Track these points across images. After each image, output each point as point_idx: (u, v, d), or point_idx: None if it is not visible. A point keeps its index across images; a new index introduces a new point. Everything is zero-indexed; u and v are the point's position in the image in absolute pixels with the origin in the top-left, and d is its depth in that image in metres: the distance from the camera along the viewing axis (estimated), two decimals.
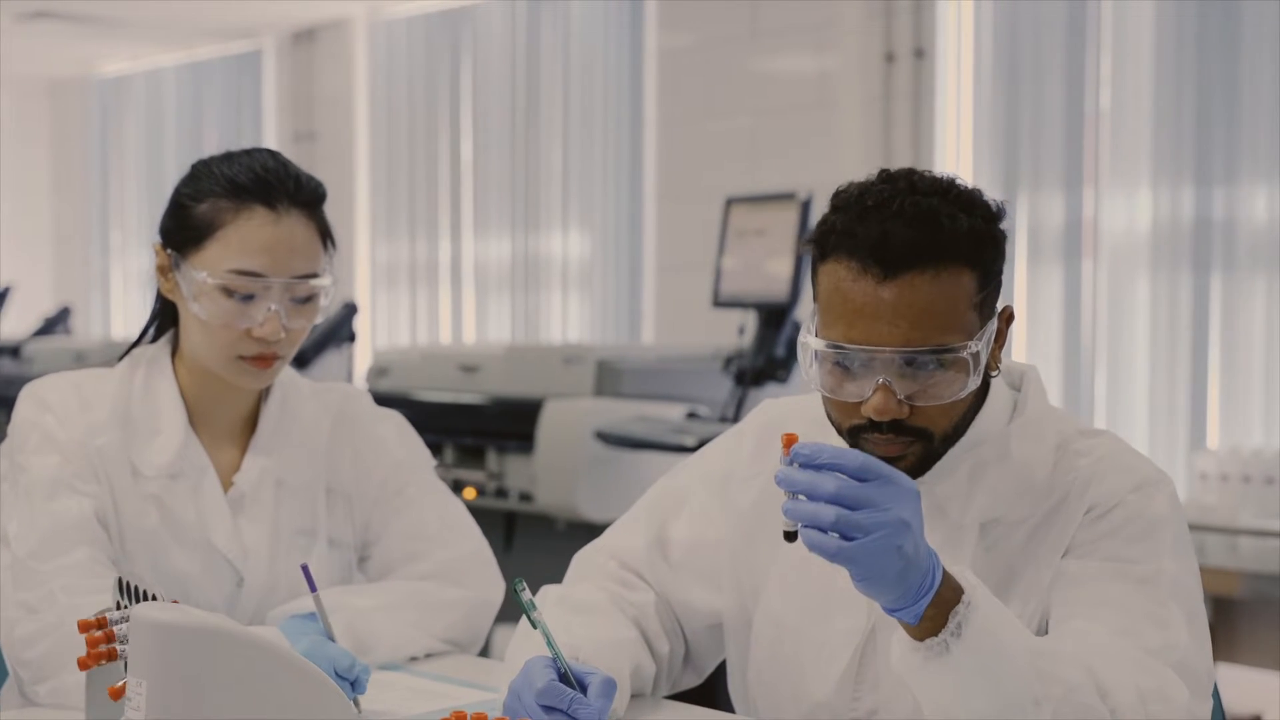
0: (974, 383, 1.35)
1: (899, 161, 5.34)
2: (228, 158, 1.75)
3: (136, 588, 1.30)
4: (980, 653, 1.23)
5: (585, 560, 1.65)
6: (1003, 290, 1.42)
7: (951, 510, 1.44)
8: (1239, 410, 4.56)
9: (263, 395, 1.82)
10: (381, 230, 7.60)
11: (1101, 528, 1.39)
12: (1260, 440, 4.46)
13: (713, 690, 1.68)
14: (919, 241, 1.33)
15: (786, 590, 1.52)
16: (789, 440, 1.21)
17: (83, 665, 1.30)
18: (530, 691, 1.32)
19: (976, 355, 1.35)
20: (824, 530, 1.19)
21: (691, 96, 5.98)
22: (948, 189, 1.38)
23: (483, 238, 7.13)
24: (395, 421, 1.91)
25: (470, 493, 4.31)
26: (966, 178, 4.93)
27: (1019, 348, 5.12)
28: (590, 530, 4.32)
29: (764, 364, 4.08)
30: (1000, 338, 1.42)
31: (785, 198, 4.09)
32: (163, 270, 1.75)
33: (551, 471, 4.25)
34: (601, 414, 4.22)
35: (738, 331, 4.21)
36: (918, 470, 1.40)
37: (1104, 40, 4.87)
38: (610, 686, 1.33)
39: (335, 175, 6.99)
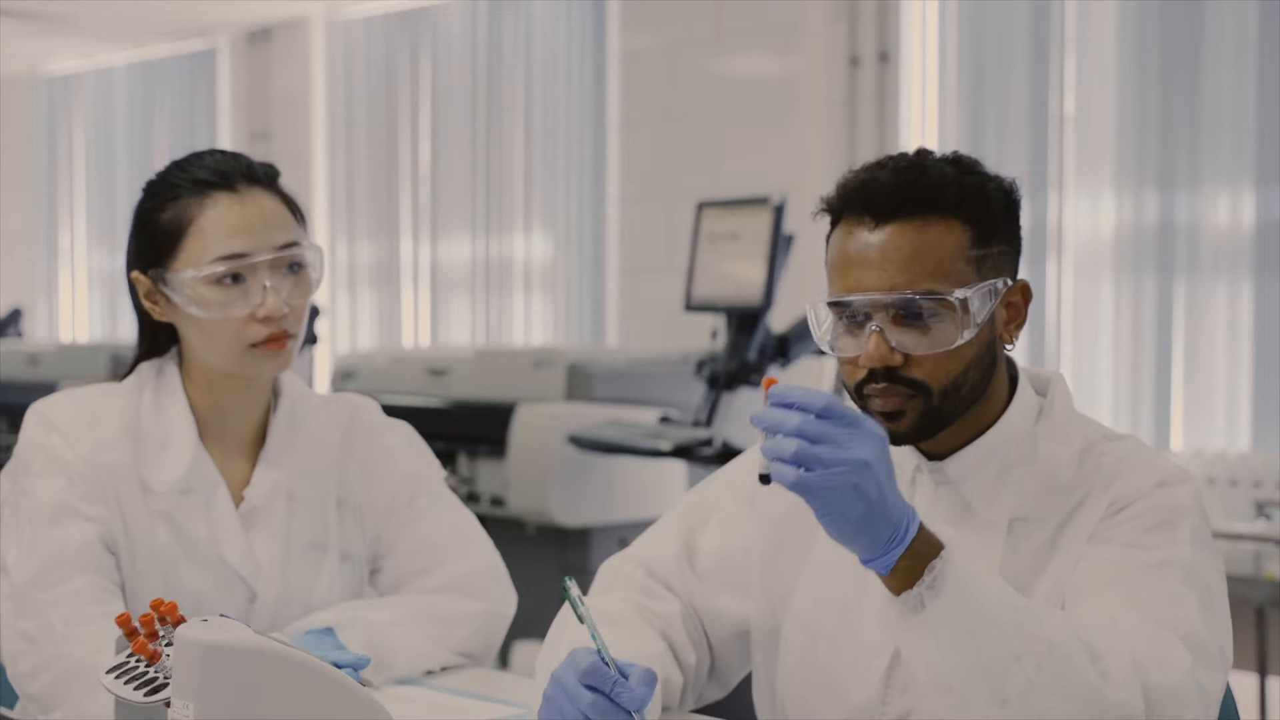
0: (968, 335, 1.39)
1: None
2: (176, 164, 1.75)
3: None
4: (958, 608, 1.25)
5: (612, 570, 1.65)
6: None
7: (979, 508, 1.46)
8: (1202, 413, 4.61)
9: (271, 407, 1.79)
10: (341, 232, 7.55)
11: (1121, 518, 1.41)
12: (1223, 442, 4.51)
13: (735, 704, 1.68)
14: (902, 188, 1.39)
15: (818, 597, 1.53)
16: (768, 384, 1.26)
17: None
18: (574, 672, 1.32)
19: (966, 304, 1.38)
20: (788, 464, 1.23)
21: (654, 98, 5.97)
22: (956, 157, 1.45)
23: (444, 240, 7.09)
24: (405, 433, 1.89)
25: None
26: None
27: None
28: (562, 535, 4.33)
29: (737, 368, 4.08)
30: (1017, 313, 1.46)
31: (758, 202, 4.10)
32: (149, 296, 1.72)
33: (524, 475, 4.24)
34: (574, 418, 4.21)
35: (711, 335, 4.21)
36: (921, 431, 1.43)
37: (1068, 45, 4.91)
38: (651, 678, 1.33)
39: (292, 176, 6.89)
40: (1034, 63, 4.98)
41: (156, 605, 1.33)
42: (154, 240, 1.70)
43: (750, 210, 4.12)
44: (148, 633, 1.28)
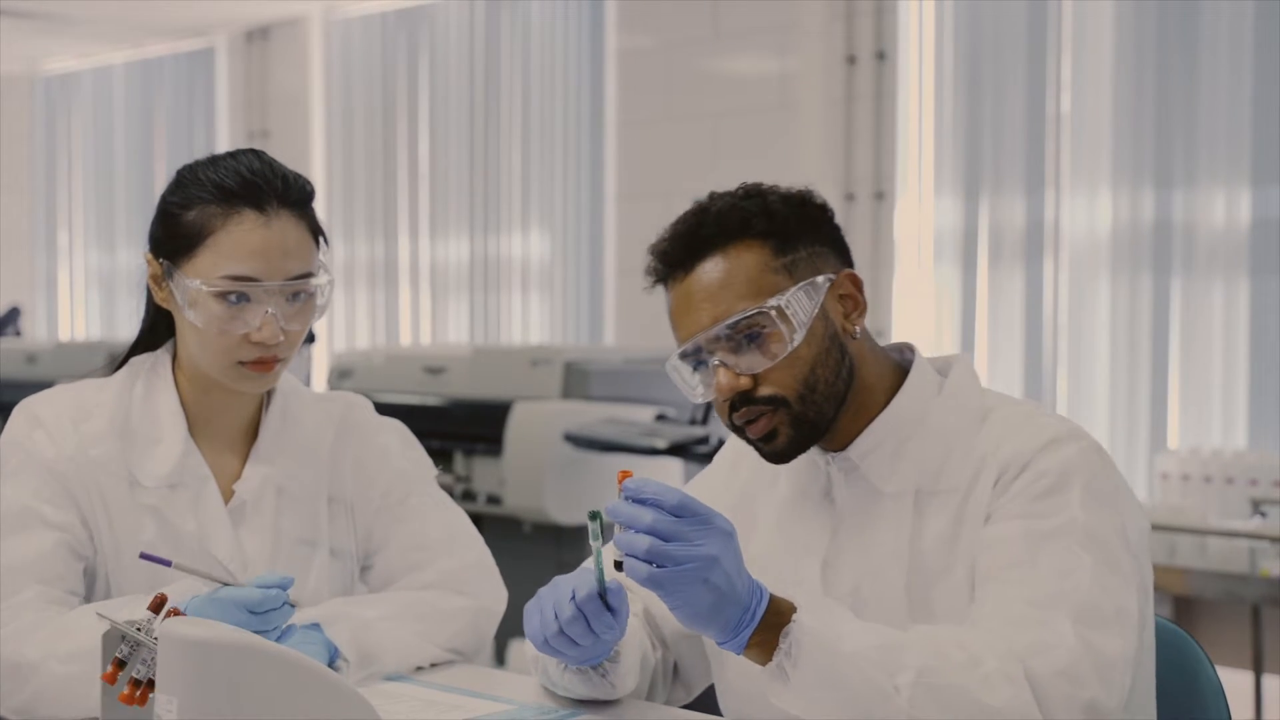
0: (800, 336, 1.44)
1: (859, 164, 5.37)
2: (212, 162, 1.71)
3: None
4: (819, 667, 1.30)
5: None
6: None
7: (883, 485, 1.50)
8: (1199, 411, 4.61)
9: (264, 403, 1.79)
10: (338, 231, 7.55)
11: (1014, 490, 1.43)
12: (1219, 440, 4.52)
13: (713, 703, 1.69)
14: (689, 233, 1.48)
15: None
16: (622, 476, 1.32)
17: (109, 679, 1.28)
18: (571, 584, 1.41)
19: (783, 309, 1.44)
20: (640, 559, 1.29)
21: (652, 97, 5.98)
22: (740, 189, 1.51)
23: (441, 238, 7.10)
24: (398, 431, 1.89)
25: None
26: (927, 180, 4.95)
27: (980, 348, 5.16)
28: (558, 533, 4.33)
29: None
30: (854, 304, 1.50)
31: None
32: (156, 280, 1.72)
33: (520, 474, 4.24)
34: (570, 416, 4.21)
35: None
36: (799, 441, 1.48)
37: (1064, 43, 4.91)
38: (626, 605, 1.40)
39: None
40: (1030, 61, 4.98)
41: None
42: (171, 236, 1.69)
43: None
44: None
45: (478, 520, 4.48)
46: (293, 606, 1.54)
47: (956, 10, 5.18)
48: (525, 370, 4.49)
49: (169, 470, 1.71)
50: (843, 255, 1.52)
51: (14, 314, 7.60)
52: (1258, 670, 3.82)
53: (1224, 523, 3.84)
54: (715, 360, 1.46)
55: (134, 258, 8.82)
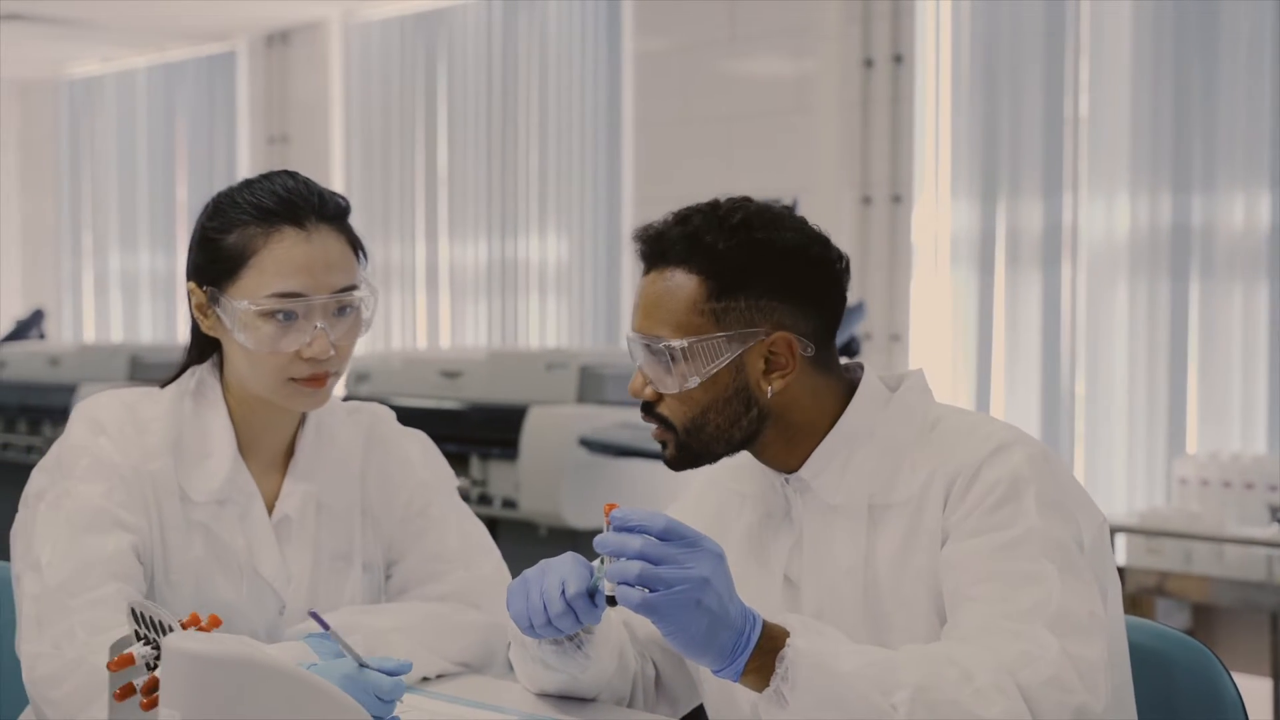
0: (693, 382, 1.46)
1: (876, 167, 5.36)
2: (247, 185, 1.73)
3: (149, 616, 1.29)
4: (816, 690, 1.31)
5: None
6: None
7: (835, 500, 1.52)
8: (1218, 416, 4.59)
9: (300, 419, 1.80)
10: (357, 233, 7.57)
11: (967, 504, 1.45)
12: (1239, 445, 4.49)
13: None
14: (650, 239, 1.51)
15: None
16: (608, 509, 1.34)
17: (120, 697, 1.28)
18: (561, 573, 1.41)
19: (673, 351, 1.46)
20: (632, 585, 1.30)
21: (669, 100, 5.98)
22: (712, 210, 1.49)
23: (459, 241, 7.11)
24: (420, 441, 1.90)
25: None
26: (944, 183, 4.91)
27: (997, 352, 5.15)
28: (573, 537, 4.34)
29: None
30: (782, 365, 1.48)
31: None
32: (201, 309, 1.72)
33: (535, 478, 4.25)
34: (585, 420, 4.22)
35: None
36: (681, 461, 1.53)
37: (1082, 46, 4.90)
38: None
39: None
40: (1048, 64, 4.97)
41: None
42: (214, 261, 1.69)
43: None
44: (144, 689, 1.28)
45: (493, 524, 4.51)
46: (405, 688, 1.54)
47: (974, 13, 5.17)
48: (541, 374, 4.50)
49: (218, 486, 1.72)
50: (802, 314, 1.48)
51: (38, 316, 7.64)
52: (1276, 678, 3.80)
53: (1242, 530, 3.82)
54: (638, 362, 1.51)
55: (157, 260, 8.87)
